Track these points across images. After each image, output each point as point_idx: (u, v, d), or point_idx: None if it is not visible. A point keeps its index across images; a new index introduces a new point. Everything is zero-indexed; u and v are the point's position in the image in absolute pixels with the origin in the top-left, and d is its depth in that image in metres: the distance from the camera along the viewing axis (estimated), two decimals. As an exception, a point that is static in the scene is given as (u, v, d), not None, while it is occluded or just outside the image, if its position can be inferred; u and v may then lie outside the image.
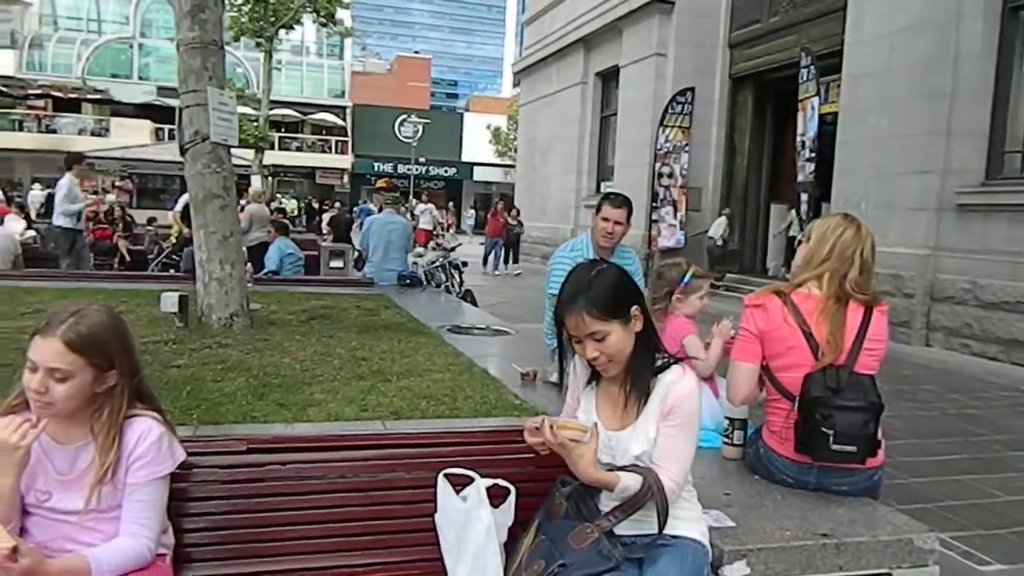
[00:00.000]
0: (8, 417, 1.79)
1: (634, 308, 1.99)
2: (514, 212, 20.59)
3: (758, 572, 2.07)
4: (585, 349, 1.98)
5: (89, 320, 1.84)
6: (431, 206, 22.83)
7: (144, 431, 1.92)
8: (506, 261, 19.86)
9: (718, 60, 15.71)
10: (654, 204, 15.77)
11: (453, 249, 10.96)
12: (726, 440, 2.82)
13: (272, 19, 20.08)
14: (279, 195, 25.88)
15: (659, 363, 2.03)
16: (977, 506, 4.10)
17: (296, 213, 29.55)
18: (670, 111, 15.52)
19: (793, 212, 14.72)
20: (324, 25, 23.82)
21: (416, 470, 2.33)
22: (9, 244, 8.01)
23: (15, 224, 11.39)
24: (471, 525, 2.06)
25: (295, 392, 3.57)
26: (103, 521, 1.89)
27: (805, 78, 11.99)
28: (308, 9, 21.20)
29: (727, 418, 2.81)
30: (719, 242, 15.14)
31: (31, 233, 11.98)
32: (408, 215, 21.53)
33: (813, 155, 11.77)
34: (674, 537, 1.98)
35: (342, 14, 24.31)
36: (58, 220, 9.78)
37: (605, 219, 4.19)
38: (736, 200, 16.03)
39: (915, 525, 2.26)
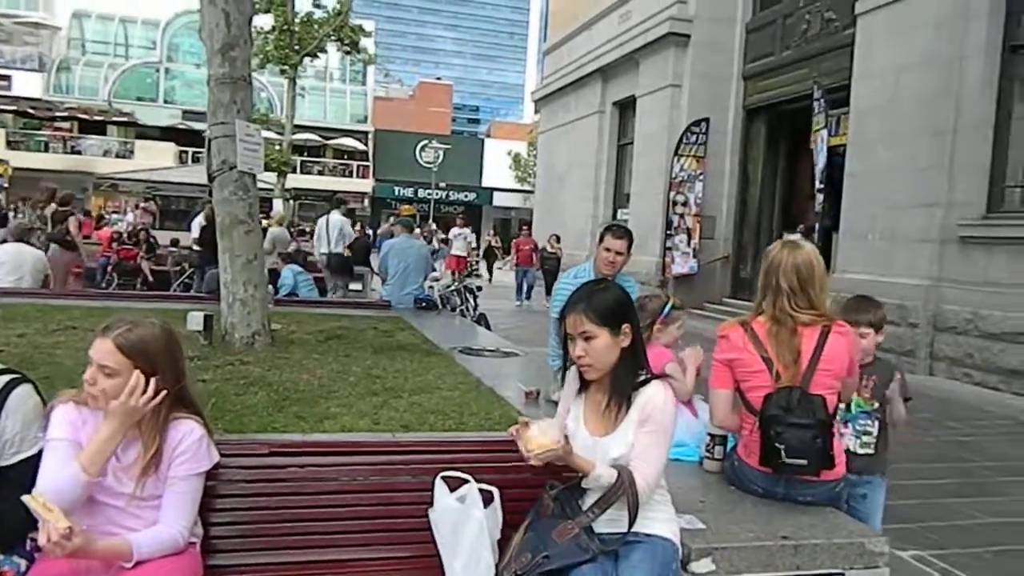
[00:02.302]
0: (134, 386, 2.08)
1: (625, 325, 2.28)
2: (552, 239, 18.99)
3: (723, 569, 2.30)
4: (575, 347, 2.26)
5: (141, 330, 2.14)
6: (466, 230, 20.96)
7: (187, 431, 2.21)
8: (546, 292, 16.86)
9: (732, 92, 16.01)
10: (668, 232, 16.01)
11: (470, 274, 11.22)
12: (707, 455, 3.05)
13: (297, 48, 20.67)
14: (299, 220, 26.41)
15: (642, 378, 2.29)
16: (958, 527, 4.29)
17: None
18: (685, 141, 15.81)
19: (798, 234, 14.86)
20: (348, 53, 24.44)
21: (420, 475, 2.59)
22: (40, 265, 8.35)
23: (44, 244, 11.80)
24: (465, 523, 2.31)
25: (312, 406, 3.82)
26: (144, 508, 2.16)
27: (817, 111, 12.24)
28: (332, 38, 21.79)
29: (709, 435, 3.05)
30: None
31: (57, 253, 12.37)
32: (424, 238, 21.49)
33: (822, 186, 11.99)
34: (648, 535, 2.23)
35: (365, 42, 24.89)
36: (337, 248, 12.23)
37: (607, 249, 4.40)
38: (749, 229, 16.24)
39: (868, 531, 2.48)
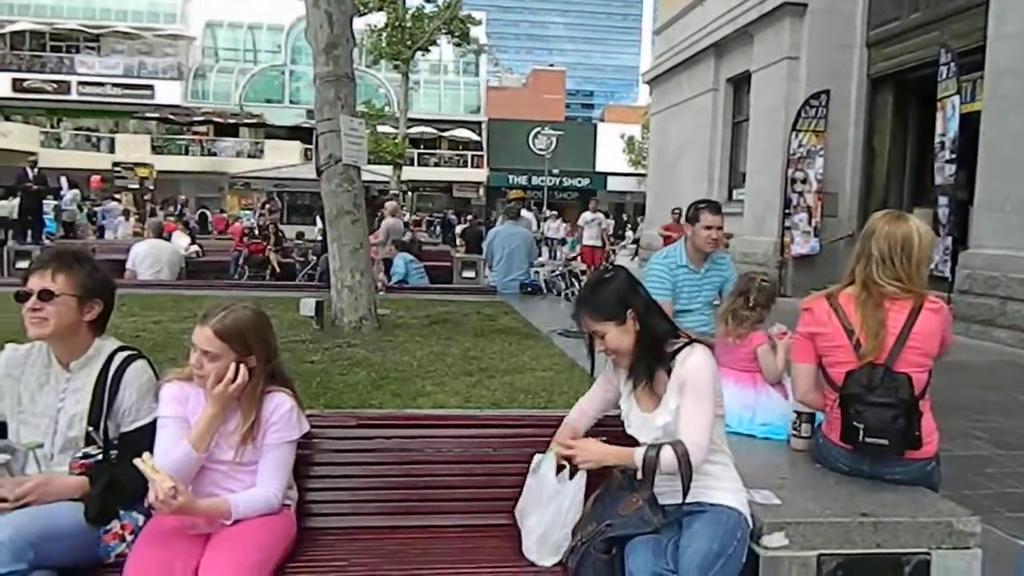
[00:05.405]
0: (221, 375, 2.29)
1: (628, 311, 2.31)
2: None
3: (796, 544, 2.25)
4: (597, 343, 2.36)
5: (235, 316, 2.33)
6: (599, 215, 18.58)
7: (279, 403, 2.40)
8: None
9: (854, 60, 15.17)
10: (787, 211, 15.41)
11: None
12: (794, 432, 2.98)
13: (409, 43, 21.21)
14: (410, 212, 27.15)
15: (676, 347, 2.31)
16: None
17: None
18: (803, 115, 15.14)
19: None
20: (458, 45, 24.87)
21: (502, 447, 2.71)
22: (176, 258, 9.04)
23: (181, 240, 12.73)
24: (555, 498, 2.38)
25: (409, 385, 4.01)
26: (243, 472, 2.37)
27: (944, 76, 11.45)
28: (443, 31, 22.21)
29: (795, 412, 2.98)
30: None
31: (195, 248, 13.30)
32: (535, 225, 21.34)
33: (953, 156, 11.23)
34: (712, 505, 2.24)
35: (476, 32, 25.24)
36: None
37: (708, 227, 4.29)
38: (875, 205, 15.37)
39: (958, 510, 2.36)
